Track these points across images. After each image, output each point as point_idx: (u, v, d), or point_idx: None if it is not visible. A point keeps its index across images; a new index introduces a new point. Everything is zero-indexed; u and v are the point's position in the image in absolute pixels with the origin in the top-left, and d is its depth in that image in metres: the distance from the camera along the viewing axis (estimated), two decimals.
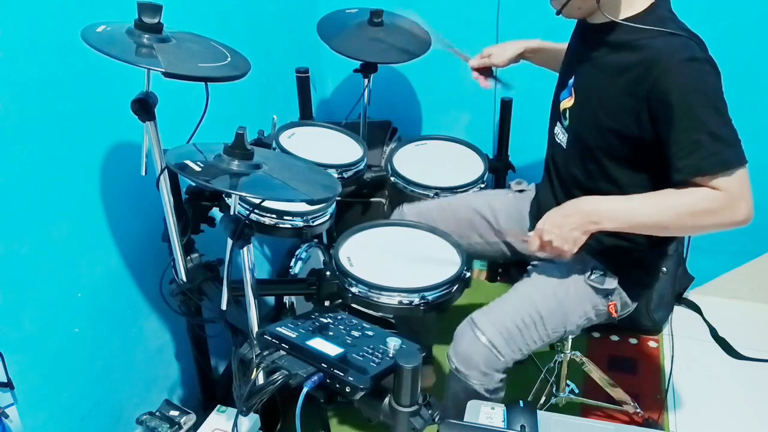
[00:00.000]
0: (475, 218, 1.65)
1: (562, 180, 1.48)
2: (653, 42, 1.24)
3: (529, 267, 1.54)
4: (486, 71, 1.78)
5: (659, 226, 1.28)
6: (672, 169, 1.23)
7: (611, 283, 1.42)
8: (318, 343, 1.10)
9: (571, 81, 1.41)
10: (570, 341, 1.73)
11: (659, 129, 1.24)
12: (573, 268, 1.44)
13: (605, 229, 1.29)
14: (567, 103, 1.42)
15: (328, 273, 1.44)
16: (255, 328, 1.30)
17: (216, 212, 1.60)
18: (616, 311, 1.45)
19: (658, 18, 1.26)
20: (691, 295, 2.37)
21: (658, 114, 1.23)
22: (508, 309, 1.39)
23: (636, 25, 1.26)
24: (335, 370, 1.03)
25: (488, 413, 1.04)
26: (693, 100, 1.19)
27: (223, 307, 1.32)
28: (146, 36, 1.14)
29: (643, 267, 1.48)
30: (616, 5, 1.28)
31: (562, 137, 1.44)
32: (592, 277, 1.42)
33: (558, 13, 1.34)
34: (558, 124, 1.46)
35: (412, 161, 1.92)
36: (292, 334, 1.13)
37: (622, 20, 1.28)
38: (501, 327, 1.36)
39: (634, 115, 1.27)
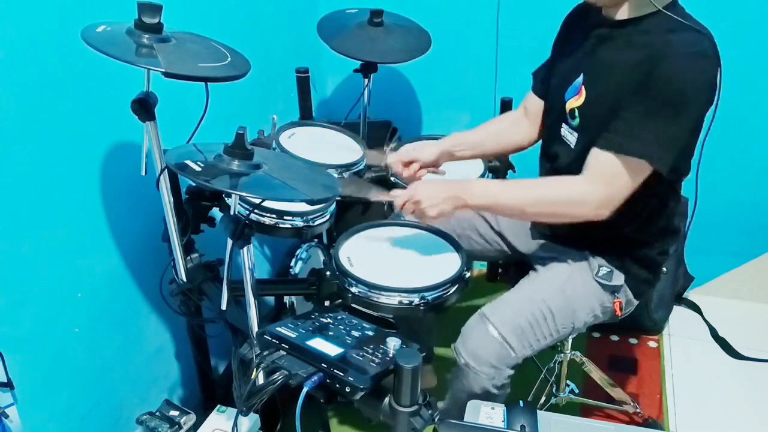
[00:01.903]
0: (475, 218, 1.65)
1: None
2: (669, 37, 1.23)
3: (535, 266, 1.54)
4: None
5: (518, 211, 1.38)
6: (601, 137, 1.27)
7: (618, 279, 1.43)
8: (318, 343, 1.10)
9: (579, 80, 1.39)
10: (570, 341, 1.73)
11: (631, 96, 1.25)
12: (580, 266, 1.44)
13: (471, 207, 1.38)
14: (575, 102, 1.41)
15: (328, 273, 1.44)
16: (255, 328, 1.30)
17: (216, 212, 1.59)
18: (620, 309, 1.46)
19: (676, 15, 1.26)
20: (691, 295, 2.37)
21: (646, 97, 1.23)
22: (518, 304, 1.40)
23: (667, 12, 1.24)
24: (335, 370, 1.03)
25: (488, 413, 1.04)
26: (680, 93, 1.19)
27: (223, 307, 1.32)
28: (146, 36, 1.14)
29: (645, 265, 1.48)
30: None
31: (570, 138, 1.43)
32: (600, 274, 1.42)
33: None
34: (564, 124, 1.45)
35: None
36: (292, 334, 1.13)
37: (641, 16, 1.27)
38: (513, 322, 1.36)
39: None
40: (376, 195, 1.50)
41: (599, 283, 1.42)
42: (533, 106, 1.61)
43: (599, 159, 1.27)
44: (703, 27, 1.26)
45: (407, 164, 1.61)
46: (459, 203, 1.36)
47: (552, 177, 1.41)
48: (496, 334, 1.35)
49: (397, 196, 1.41)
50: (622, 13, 1.31)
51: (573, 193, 1.31)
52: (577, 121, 1.41)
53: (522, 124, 1.64)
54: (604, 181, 1.27)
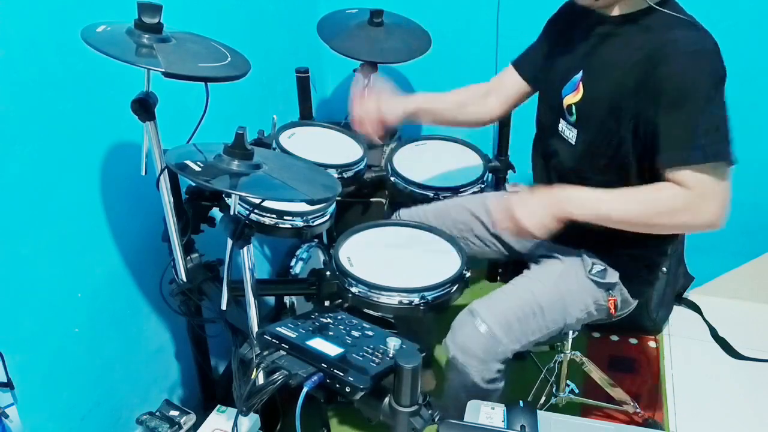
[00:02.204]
0: (472, 220, 1.65)
1: (564, 177, 1.47)
2: (669, 34, 1.24)
3: (530, 263, 1.54)
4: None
5: (625, 222, 1.30)
6: (657, 158, 1.24)
7: (612, 277, 1.43)
8: (318, 343, 1.10)
9: (577, 76, 1.40)
10: (570, 341, 1.73)
11: (656, 114, 1.24)
12: (574, 263, 1.44)
13: (574, 217, 1.30)
14: (572, 98, 1.41)
15: (328, 273, 1.44)
16: (255, 328, 1.29)
17: (216, 212, 1.59)
18: (615, 308, 1.45)
19: (671, 10, 1.26)
20: (691, 295, 2.37)
21: (659, 99, 1.23)
22: (508, 299, 1.40)
23: (663, 10, 1.25)
24: (335, 370, 1.03)
25: (488, 413, 1.04)
26: (691, 91, 1.20)
27: (223, 307, 1.32)
28: (146, 36, 1.14)
29: (643, 264, 1.48)
30: None
31: (569, 133, 1.43)
32: (594, 271, 1.42)
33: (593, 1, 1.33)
34: (562, 120, 1.45)
35: (412, 161, 1.92)
36: (292, 334, 1.13)
37: (639, 13, 1.27)
38: (500, 317, 1.36)
39: (640, 105, 1.27)
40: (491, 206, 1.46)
41: (593, 280, 1.42)
42: (509, 81, 1.61)
43: (692, 176, 1.21)
44: (697, 22, 1.26)
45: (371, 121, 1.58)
46: (561, 213, 1.30)
47: (651, 186, 1.28)
48: (484, 329, 1.35)
49: (493, 211, 1.37)
50: (616, 11, 1.31)
51: (682, 205, 1.24)
52: (574, 117, 1.41)
53: (489, 98, 1.64)
54: (711, 195, 1.22)
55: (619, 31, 1.32)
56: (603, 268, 1.43)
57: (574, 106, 1.40)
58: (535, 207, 1.31)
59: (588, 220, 1.32)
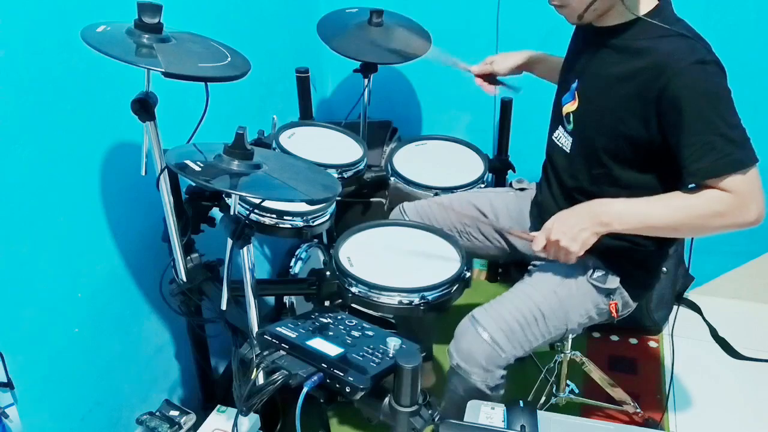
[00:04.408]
0: (476, 215, 1.65)
1: (562, 183, 1.48)
2: (660, 45, 1.24)
3: (530, 267, 1.54)
4: (489, 78, 1.78)
5: (669, 228, 1.29)
6: (685, 173, 1.23)
7: (613, 282, 1.42)
8: (318, 343, 1.11)
9: (574, 85, 1.40)
10: (570, 341, 1.73)
11: (669, 133, 1.24)
12: (575, 267, 1.44)
13: (615, 230, 1.29)
14: (570, 107, 1.42)
15: (328, 273, 1.44)
16: (255, 328, 1.30)
17: (216, 212, 1.60)
18: (617, 311, 1.45)
19: (663, 20, 1.26)
20: (691, 295, 2.37)
21: (668, 118, 1.23)
22: (509, 306, 1.40)
23: (652, 21, 1.25)
24: (335, 370, 1.03)
25: (488, 413, 1.04)
26: (703, 103, 1.19)
27: (223, 307, 1.32)
28: (146, 36, 1.14)
29: (644, 268, 1.48)
30: (633, 4, 1.28)
31: (565, 141, 1.44)
32: (594, 276, 1.42)
33: (578, 20, 1.32)
34: (560, 127, 1.46)
35: (412, 161, 1.92)
36: (292, 334, 1.13)
37: (628, 21, 1.27)
38: (502, 324, 1.36)
39: (642, 118, 1.27)
40: (514, 232, 1.47)
41: (593, 285, 1.42)
42: None
43: (730, 181, 1.21)
44: (690, 30, 1.26)
45: (486, 77, 1.76)
46: (602, 228, 1.28)
47: (690, 191, 1.28)
48: (486, 336, 1.35)
49: (534, 239, 1.35)
50: (611, 20, 1.31)
51: (725, 207, 1.22)
52: (571, 125, 1.41)
53: None
54: (750, 195, 1.22)
55: (610, 42, 1.32)
56: (604, 272, 1.43)
57: (571, 115, 1.41)
58: (576, 227, 1.29)
59: (631, 232, 1.30)
